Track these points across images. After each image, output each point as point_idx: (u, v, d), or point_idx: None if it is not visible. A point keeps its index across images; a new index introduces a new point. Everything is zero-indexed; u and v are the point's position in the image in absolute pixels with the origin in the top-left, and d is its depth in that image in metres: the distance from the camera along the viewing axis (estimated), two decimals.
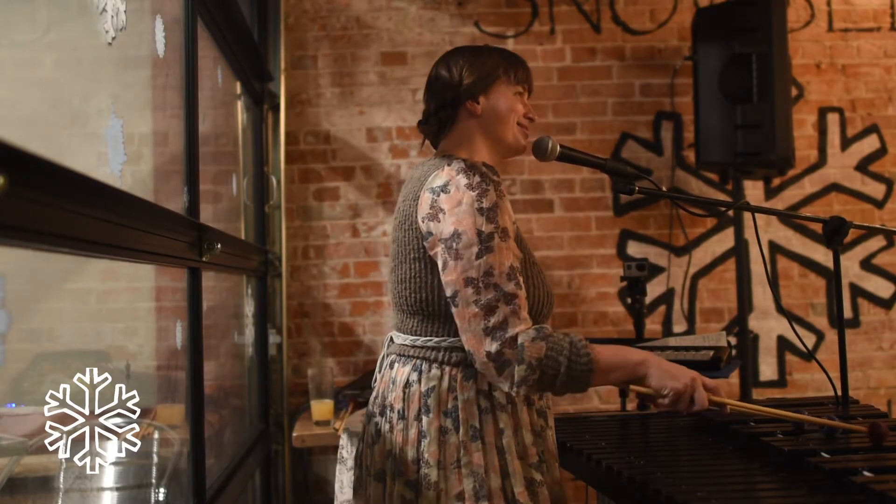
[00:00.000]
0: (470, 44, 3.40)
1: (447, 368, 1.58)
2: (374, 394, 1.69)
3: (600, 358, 1.50)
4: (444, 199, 1.53)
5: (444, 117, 1.71)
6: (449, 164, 1.57)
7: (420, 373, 1.59)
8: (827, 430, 1.63)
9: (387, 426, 1.61)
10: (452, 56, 1.73)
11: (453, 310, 1.53)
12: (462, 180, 1.53)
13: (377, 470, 1.61)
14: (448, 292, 1.53)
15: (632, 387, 1.58)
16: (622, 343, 2.57)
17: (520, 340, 1.46)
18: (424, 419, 1.56)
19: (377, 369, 1.72)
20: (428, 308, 1.59)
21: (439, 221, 1.53)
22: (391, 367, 1.66)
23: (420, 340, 1.61)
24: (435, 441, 1.54)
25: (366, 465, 1.65)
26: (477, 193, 1.51)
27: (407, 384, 1.59)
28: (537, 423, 1.63)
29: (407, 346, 1.63)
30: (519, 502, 1.53)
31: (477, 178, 1.53)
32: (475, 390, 1.56)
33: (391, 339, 1.71)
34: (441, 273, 1.54)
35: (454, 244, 1.51)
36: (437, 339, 1.59)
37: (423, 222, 1.56)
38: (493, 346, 1.47)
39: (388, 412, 1.62)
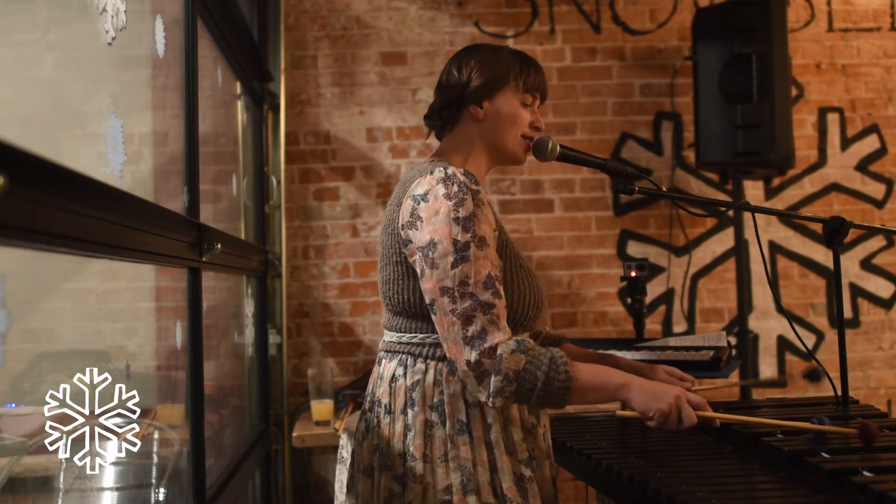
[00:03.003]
0: (469, 44, 3.39)
1: (432, 363, 1.58)
2: (366, 392, 1.71)
3: (579, 376, 1.48)
4: (423, 207, 1.54)
5: (447, 116, 1.71)
6: (431, 173, 1.57)
7: (405, 367, 1.60)
8: (817, 432, 1.60)
9: (375, 420, 1.62)
10: (466, 55, 1.72)
11: (433, 317, 1.54)
12: (440, 190, 1.53)
13: (366, 465, 1.62)
14: (427, 300, 1.54)
15: (618, 412, 1.59)
16: (621, 343, 2.58)
17: (499, 351, 1.47)
18: (410, 412, 1.57)
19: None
20: (411, 309, 1.60)
21: (417, 230, 1.54)
22: (379, 363, 1.68)
23: (406, 337, 1.62)
24: (420, 434, 1.55)
25: (356, 461, 1.66)
26: (454, 203, 1.52)
27: (393, 378, 1.61)
28: (528, 420, 1.62)
29: (394, 342, 1.64)
30: (507, 497, 1.53)
31: (455, 188, 1.53)
32: (462, 385, 1.56)
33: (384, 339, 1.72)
34: (420, 281, 1.55)
35: (430, 253, 1.51)
36: (422, 335, 1.60)
37: (402, 230, 1.57)
38: (473, 356, 1.47)
39: (376, 407, 1.63)
